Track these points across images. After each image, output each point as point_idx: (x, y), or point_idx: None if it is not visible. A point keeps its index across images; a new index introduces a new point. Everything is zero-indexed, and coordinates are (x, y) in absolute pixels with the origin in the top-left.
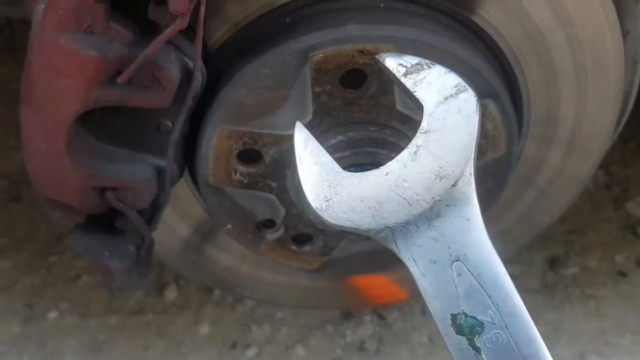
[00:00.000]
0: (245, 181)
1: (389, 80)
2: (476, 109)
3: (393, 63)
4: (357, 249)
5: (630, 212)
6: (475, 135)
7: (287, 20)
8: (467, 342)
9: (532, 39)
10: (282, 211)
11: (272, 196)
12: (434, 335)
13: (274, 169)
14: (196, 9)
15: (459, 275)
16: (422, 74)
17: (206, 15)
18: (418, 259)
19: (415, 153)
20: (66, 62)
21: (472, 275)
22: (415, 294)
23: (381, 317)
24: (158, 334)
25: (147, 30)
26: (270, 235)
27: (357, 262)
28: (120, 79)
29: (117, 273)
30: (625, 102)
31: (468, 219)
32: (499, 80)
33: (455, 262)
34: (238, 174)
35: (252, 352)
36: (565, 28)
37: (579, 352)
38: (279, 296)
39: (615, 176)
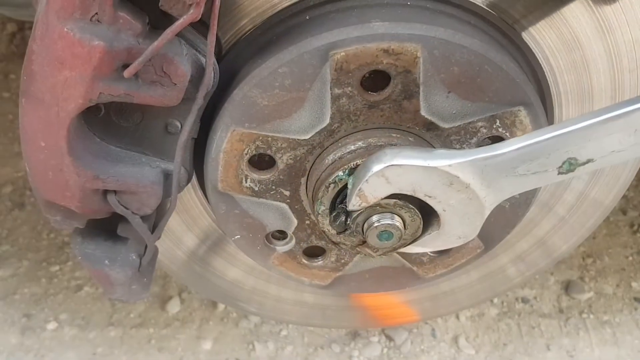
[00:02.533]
0: (256, 188)
1: (413, 83)
2: None
3: None
4: (371, 265)
5: None
6: None
7: (307, 18)
8: None
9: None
10: (294, 222)
11: (284, 205)
12: (444, 359)
13: (287, 176)
14: (210, 0)
15: None
16: None
17: (221, 8)
18: None
19: None
20: (70, 52)
21: None
22: (425, 316)
23: (389, 338)
24: (159, 349)
25: (157, 22)
26: (281, 248)
27: (370, 279)
28: (127, 73)
29: (118, 283)
30: None
31: None
32: (532, 86)
33: None
34: (249, 180)
35: None
36: (604, 35)
37: None
38: (285, 313)
39: (631, 200)
